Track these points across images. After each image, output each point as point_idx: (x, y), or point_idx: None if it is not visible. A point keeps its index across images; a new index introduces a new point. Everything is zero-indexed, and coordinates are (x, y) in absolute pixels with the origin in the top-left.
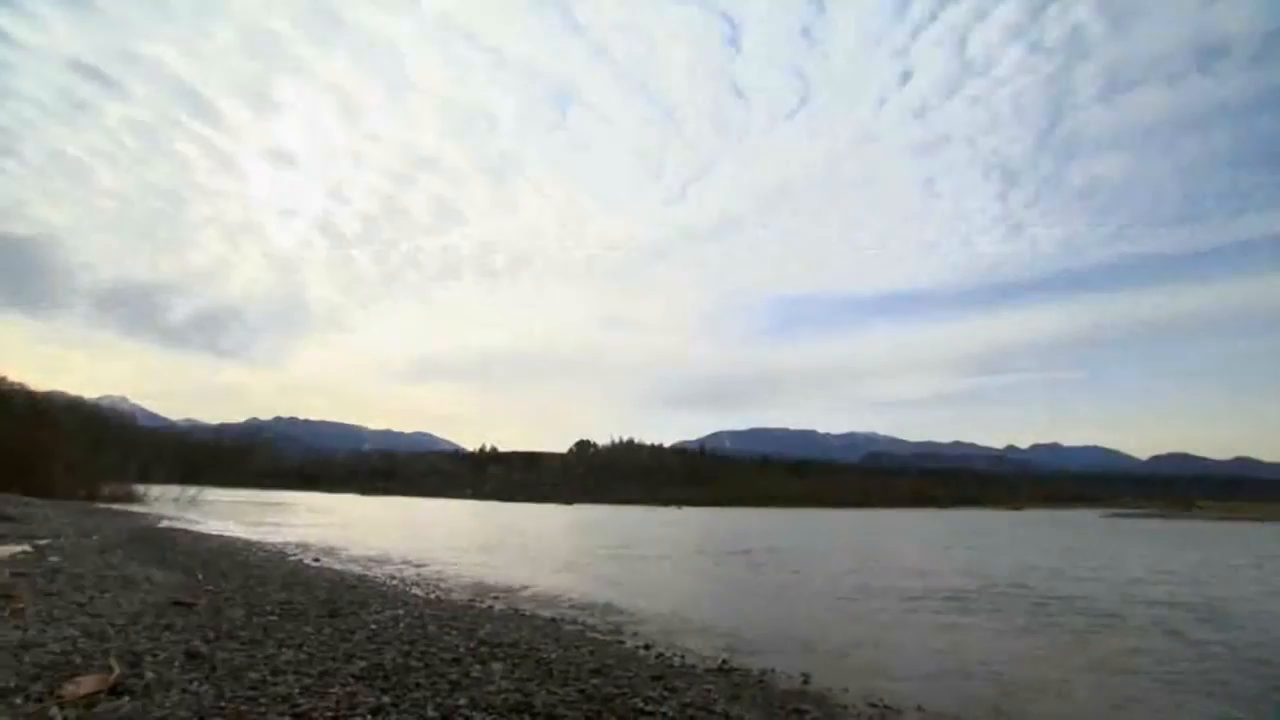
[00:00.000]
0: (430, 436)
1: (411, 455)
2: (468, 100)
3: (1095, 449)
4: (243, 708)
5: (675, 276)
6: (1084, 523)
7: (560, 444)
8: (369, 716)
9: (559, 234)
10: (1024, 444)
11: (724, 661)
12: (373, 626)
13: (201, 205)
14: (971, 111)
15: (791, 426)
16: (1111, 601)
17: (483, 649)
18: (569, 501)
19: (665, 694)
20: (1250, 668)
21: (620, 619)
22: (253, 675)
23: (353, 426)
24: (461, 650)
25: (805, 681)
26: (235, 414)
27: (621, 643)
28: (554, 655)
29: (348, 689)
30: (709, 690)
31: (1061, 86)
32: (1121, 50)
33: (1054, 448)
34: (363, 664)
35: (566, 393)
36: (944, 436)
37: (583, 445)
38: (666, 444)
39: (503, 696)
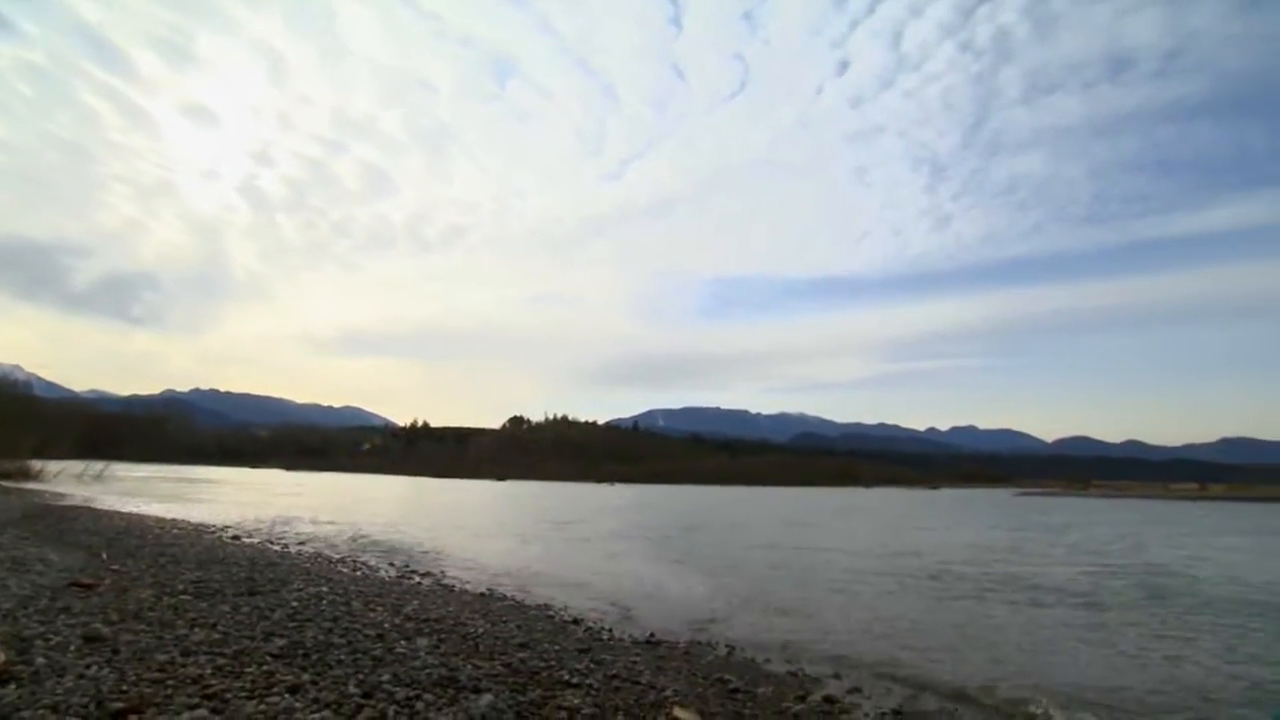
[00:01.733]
0: (361, 411)
1: (341, 430)
2: (404, 67)
3: (1008, 432)
4: (147, 690)
5: (612, 254)
6: (993, 500)
7: (494, 420)
8: (287, 695)
9: (495, 207)
10: (944, 426)
11: (651, 635)
12: (294, 604)
13: (111, 162)
14: (904, 105)
15: (724, 406)
16: (985, 568)
17: (409, 625)
18: (502, 478)
19: (592, 666)
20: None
21: (550, 595)
22: (160, 657)
23: (278, 400)
24: (387, 626)
25: (730, 653)
26: (149, 385)
27: (551, 618)
28: (481, 630)
29: (265, 668)
30: (635, 662)
31: (988, 86)
32: (1043, 56)
33: (971, 430)
34: (282, 642)
35: (500, 368)
36: (870, 418)
37: (517, 421)
38: (601, 421)
39: (427, 671)
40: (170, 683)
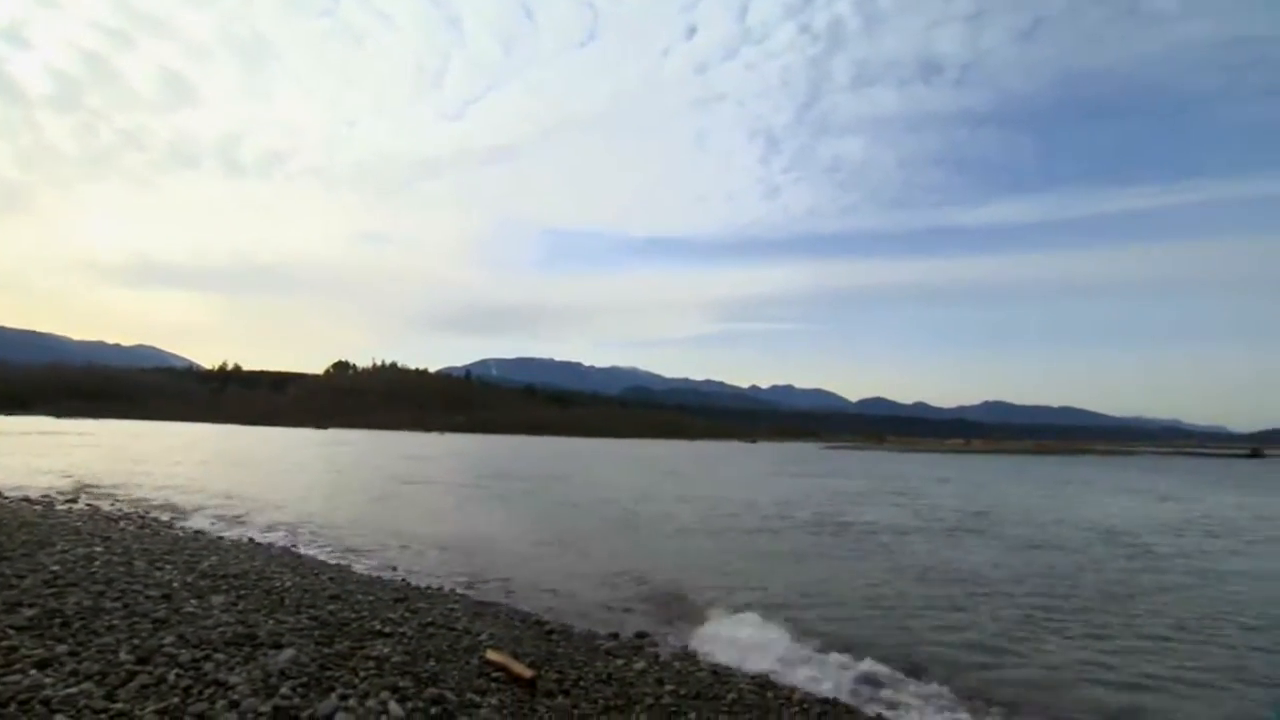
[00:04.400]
0: (157, 351)
1: (132, 372)
2: None
3: (820, 391)
4: None
5: (449, 197)
6: (801, 453)
7: (315, 364)
8: (33, 671)
9: (322, 135)
10: (765, 385)
11: (470, 584)
12: (54, 569)
13: None
14: (746, 77)
15: (557, 358)
16: (764, 504)
17: (203, 582)
18: (324, 426)
19: (407, 615)
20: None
21: (368, 545)
22: None
23: (48, 336)
24: (176, 585)
25: (553, 595)
26: None
27: (368, 568)
28: (289, 584)
29: (4, 643)
30: (453, 609)
31: (821, 70)
32: (869, 49)
33: (789, 389)
34: (32, 612)
35: (323, 310)
36: (698, 374)
37: (341, 366)
38: (432, 369)
39: (220, 630)
40: None
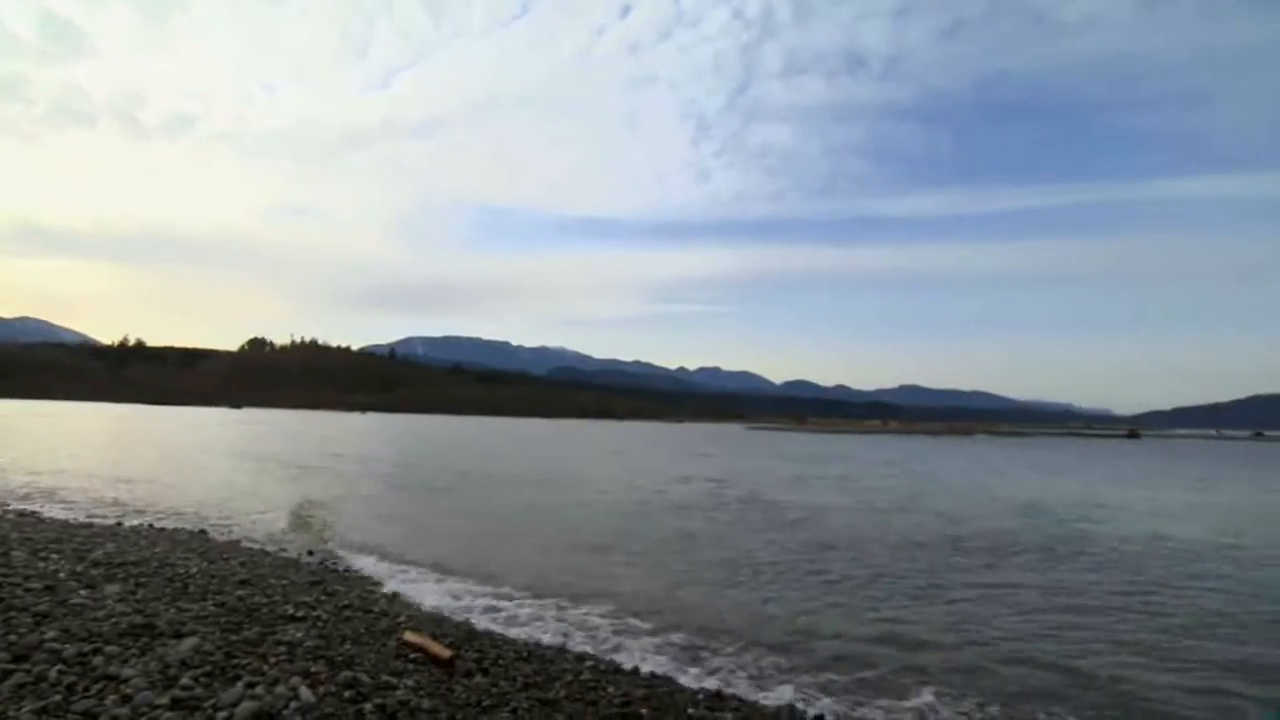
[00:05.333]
0: (45, 324)
1: (14, 347)
2: None
3: (745, 373)
4: None
5: (373, 170)
6: (725, 433)
7: (229, 341)
8: None
9: (235, 98)
10: (692, 366)
11: (390, 565)
12: None
13: None
14: (679, 59)
15: (485, 337)
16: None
17: (95, 571)
18: (238, 405)
19: (323, 598)
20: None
21: (281, 529)
22: None
23: None
24: (62, 576)
25: (476, 576)
26: None
27: (284, 552)
28: (194, 570)
29: None
30: (371, 591)
31: (753, 56)
32: (799, 39)
33: (715, 371)
34: None
35: (237, 283)
36: (626, 355)
37: (257, 343)
38: (355, 347)
39: (114, 621)
40: None
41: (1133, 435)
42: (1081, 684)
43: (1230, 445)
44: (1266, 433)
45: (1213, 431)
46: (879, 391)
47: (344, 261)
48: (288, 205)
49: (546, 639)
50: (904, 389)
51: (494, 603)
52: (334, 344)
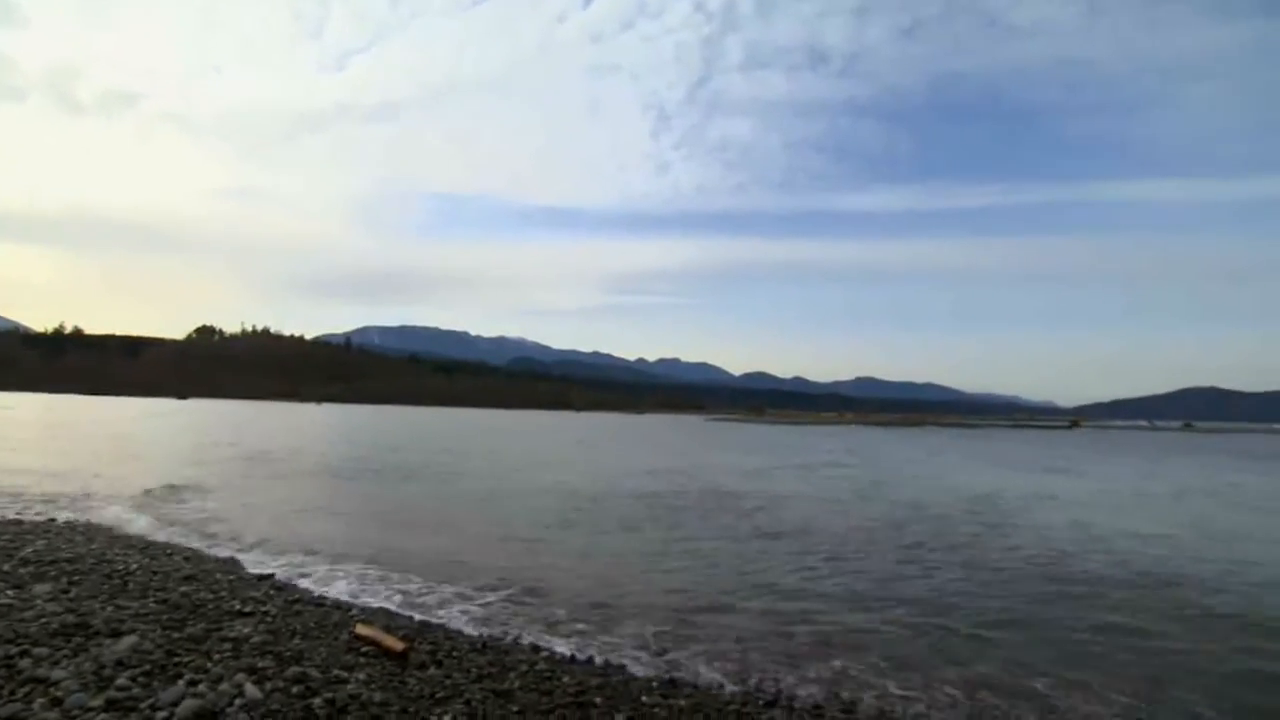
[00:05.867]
0: None
1: None
2: None
3: (705, 365)
4: None
5: (329, 155)
6: (684, 424)
7: (175, 329)
8: None
9: (182, 77)
10: (651, 357)
11: (343, 559)
12: None
13: None
14: (641, 50)
15: (443, 326)
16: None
17: (23, 570)
18: (185, 396)
19: (272, 593)
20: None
21: (229, 522)
22: None
23: None
24: None
25: (431, 568)
26: None
27: (229, 546)
28: (134, 566)
29: None
30: (321, 584)
31: (715, 49)
32: (761, 33)
33: (674, 362)
34: None
35: (184, 268)
36: (585, 346)
37: (206, 331)
38: (309, 336)
39: (43, 621)
40: None
41: (1074, 426)
42: (980, 645)
43: (1162, 435)
44: (1195, 424)
45: (1145, 423)
46: (836, 384)
47: (298, 248)
48: (238, 188)
49: (498, 631)
50: (860, 381)
51: (443, 595)
52: (287, 332)
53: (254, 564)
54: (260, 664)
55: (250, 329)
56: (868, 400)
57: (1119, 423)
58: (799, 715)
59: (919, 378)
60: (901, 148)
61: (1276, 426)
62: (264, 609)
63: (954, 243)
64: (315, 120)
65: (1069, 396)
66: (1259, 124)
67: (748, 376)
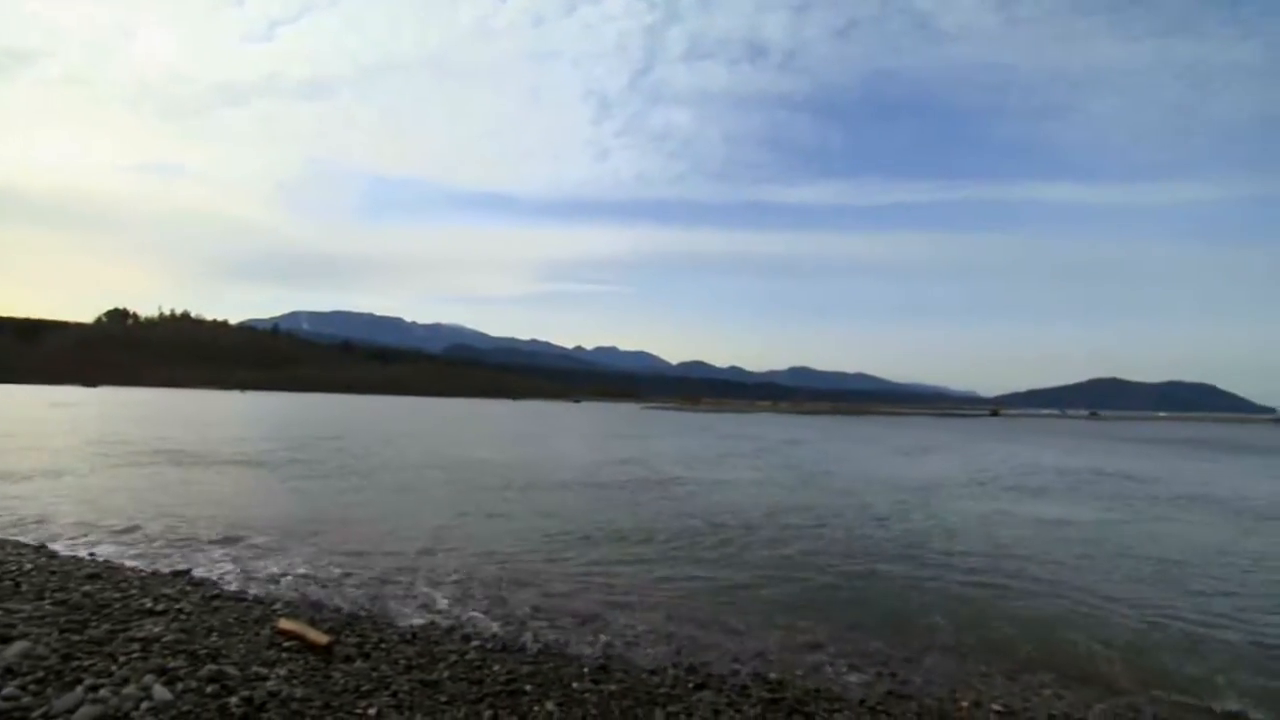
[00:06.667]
0: None
1: None
2: None
3: (643, 354)
4: None
5: (255, 130)
6: (621, 412)
7: (83, 312)
8: None
9: (89, 40)
10: (589, 346)
11: (264, 553)
12: None
13: None
14: (583, 36)
15: (377, 313)
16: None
17: None
18: (93, 384)
19: (188, 589)
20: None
21: (140, 518)
22: None
23: None
24: None
25: (359, 559)
26: None
27: (142, 542)
28: (29, 566)
29: None
30: (244, 576)
31: (657, 39)
32: (703, 24)
33: (612, 350)
34: None
35: (93, 248)
36: (523, 334)
37: (117, 315)
38: (233, 320)
39: None
40: None
41: (995, 414)
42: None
43: (1071, 423)
44: (1100, 412)
45: (1056, 411)
46: (771, 373)
47: (222, 228)
48: (153, 163)
49: (429, 621)
50: (794, 371)
51: (372, 588)
52: (209, 317)
53: (146, 559)
54: (171, 664)
55: (169, 313)
56: (802, 390)
57: (1034, 411)
58: (727, 695)
59: (850, 368)
60: (835, 143)
61: (1162, 415)
62: (178, 606)
63: (884, 237)
64: (238, 93)
65: (990, 387)
66: (1157, 134)
67: (685, 365)
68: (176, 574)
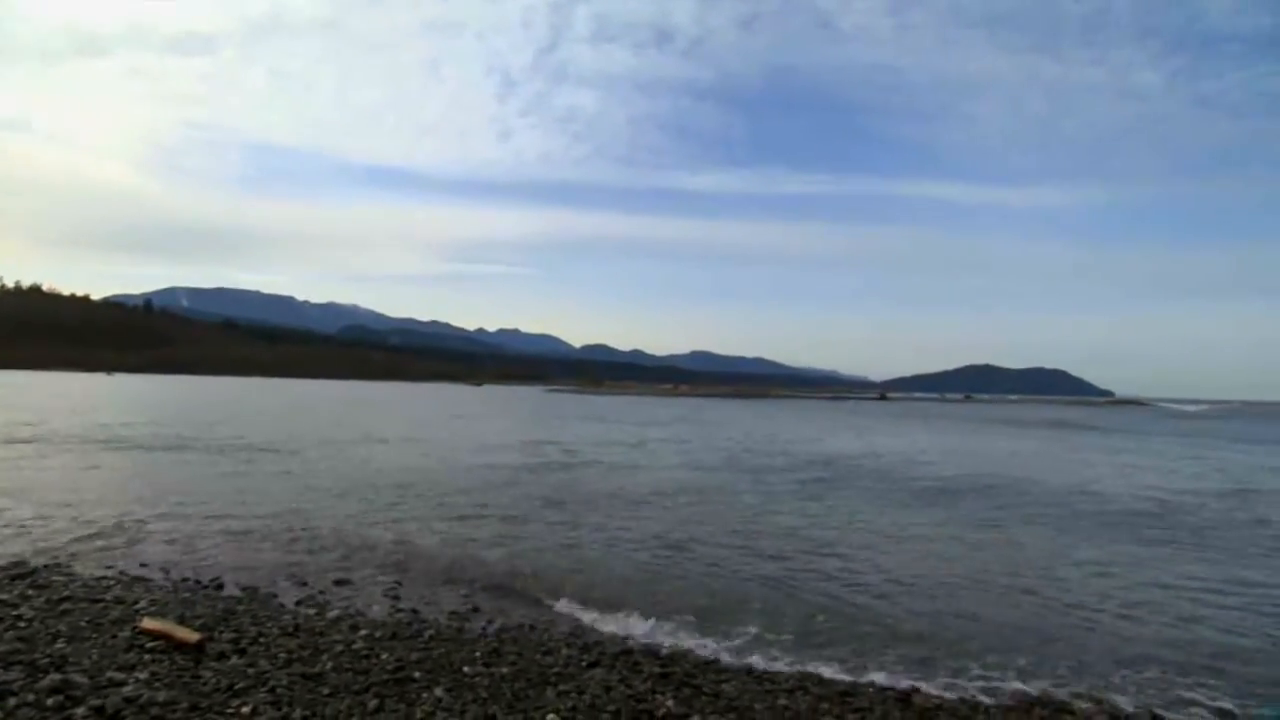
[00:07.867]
0: None
1: None
2: None
3: (546, 336)
4: None
5: (121, 83)
6: (519, 395)
7: None
8: None
9: None
10: (492, 328)
11: (131, 550)
12: None
13: None
14: (486, 8)
15: (265, 290)
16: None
17: None
18: None
19: (30, 592)
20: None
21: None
22: None
23: None
24: None
25: (239, 552)
26: None
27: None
28: None
29: None
30: (103, 578)
31: (563, 17)
32: (610, 6)
33: (515, 333)
34: None
35: None
36: (423, 315)
37: None
38: (97, 296)
39: None
40: None
41: (883, 398)
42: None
43: (949, 406)
44: (974, 395)
45: (937, 395)
46: (672, 356)
47: (82, 193)
48: (2, 118)
49: (314, 611)
50: (695, 354)
51: (251, 578)
52: (67, 292)
53: None
54: (4, 678)
55: (17, 286)
56: (703, 373)
57: (918, 395)
58: (619, 673)
59: (749, 352)
60: (737, 132)
61: (1013, 398)
62: (16, 612)
63: (782, 226)
64: (105, 44)
65: (879, 371)
66: (1024, 142)
67: (588, 348)
68: (16, 576)
